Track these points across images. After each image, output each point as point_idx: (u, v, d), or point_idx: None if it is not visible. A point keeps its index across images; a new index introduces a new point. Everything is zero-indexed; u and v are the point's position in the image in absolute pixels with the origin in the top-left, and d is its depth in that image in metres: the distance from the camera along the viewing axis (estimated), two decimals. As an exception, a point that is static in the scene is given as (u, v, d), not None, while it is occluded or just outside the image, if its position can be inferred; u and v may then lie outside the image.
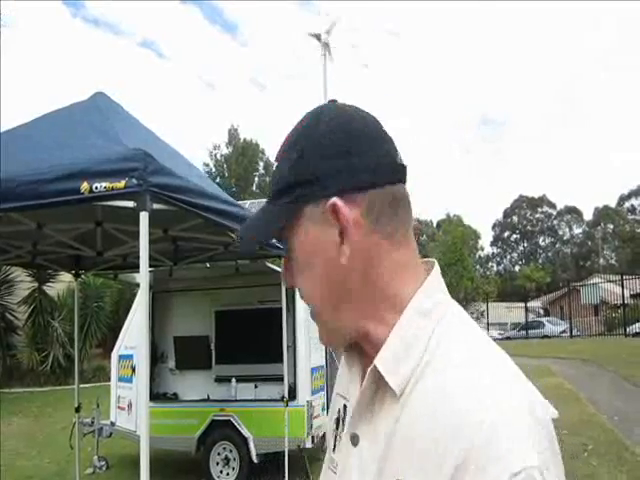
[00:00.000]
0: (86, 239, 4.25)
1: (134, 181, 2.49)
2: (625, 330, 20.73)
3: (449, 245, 14.61)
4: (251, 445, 5.32)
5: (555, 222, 71.46)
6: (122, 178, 2.49)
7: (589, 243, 66.58)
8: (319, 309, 0.67)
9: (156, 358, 6.18)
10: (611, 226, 65.27)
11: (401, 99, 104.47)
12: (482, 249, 66.40)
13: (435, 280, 0.67)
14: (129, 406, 6.00)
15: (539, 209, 71.84)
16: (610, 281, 25.67)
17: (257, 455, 5.31)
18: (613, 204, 65.19)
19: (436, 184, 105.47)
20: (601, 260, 64.08)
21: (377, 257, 0.63)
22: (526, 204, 72.04)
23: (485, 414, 0.54)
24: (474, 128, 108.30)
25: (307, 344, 5.75)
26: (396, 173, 0.65)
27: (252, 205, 8.19)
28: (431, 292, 0.65)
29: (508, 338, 28.62)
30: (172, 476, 5.89)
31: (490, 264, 69.46)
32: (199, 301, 6.28)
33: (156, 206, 2.54)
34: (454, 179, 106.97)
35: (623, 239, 61.31)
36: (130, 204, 2.50)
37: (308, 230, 0.63)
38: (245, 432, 5.38)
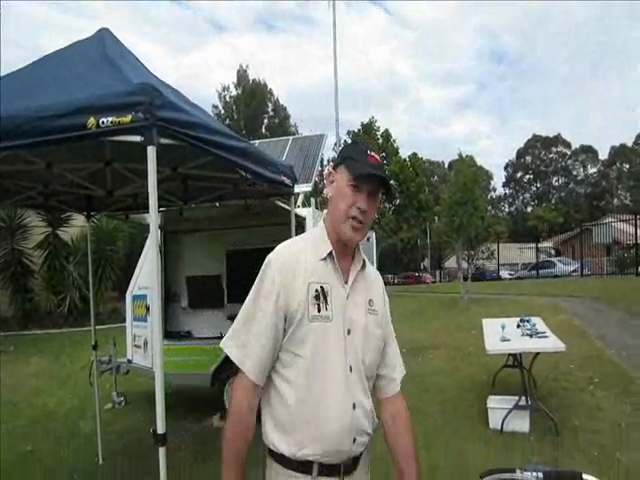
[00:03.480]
0: (97, 179, 4.22)
1: (140, 115, 2.42)
2: (637, 269, 20.64)
3: (460, 185, 14.39)
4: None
5: (569, 162, 70.18)
6: (129, 112, 2.43)
7: (603, 183, 65.54)
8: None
9: (169, 298, 6.31)
10: (627, 165, 63.94)
11: (410, 36, 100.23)
12: (494, 190, 65.70)
13: None
14: (145, 344, 6.19)
15: (553, 149, 70.42)
16: (622, 220, 25.33)
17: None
18: (630, 143, 63.54)
19: (449, 124, 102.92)
20: (615, 200, 63.23)
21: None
22: (540, 144, 70.56)
23: None
24: (488, 64, 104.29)
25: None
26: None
27: (261, 145, 8.08)
28: None
29: (519, 278, 28.87)
30: (189, 410, 6.15)
31: (502, 205, 68.94)
32: (210, 241, 6.32)
33: (163, 141, 2.48)
34: (468, 118, 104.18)
35: (639, 178, 60.16)
36: (137, 139, 2.45)
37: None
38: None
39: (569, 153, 69.70)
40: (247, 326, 1.47)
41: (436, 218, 32.59)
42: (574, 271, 25.98)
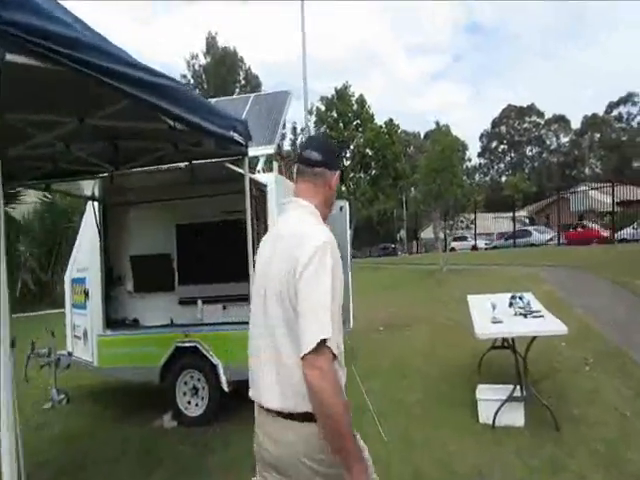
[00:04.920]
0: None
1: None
2: (613, 237, 20.54)
3: (438, 152, 13.69)
4: (221, 373, 4.76)
5: (543, 131, 70.25)
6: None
7: (575, 152, 65.93)
8: None
9: (112, 280, 5.46)
10: (598, 135, 64.39)
11: (384, 6, 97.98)
12: (469, 160, 65.43)
13: None
14: (84, 335, 5.37)
15: (527, 118, 70.26)
16: (595, 188, 25.24)
17: (228, 383, 4.77)
18: (601, 112, 63.89)
19: (423, 95, 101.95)
20: (586, 169, 63.81)
21: None
22: (515, 113, 70.26)
23: None
24: (463, 34, 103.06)
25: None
26: (296, 160, 1.87)
27: (219, 104, 7.13)
28: None
29: (495, 247, 28.63)
30: (136, 408, 5.40)
31: (477, 175, 68.87)
32: (157, 214, 5.47)
33: (12, 57, 1.63)
34: (442, 89, 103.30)
35: (609, 148, 60.74)
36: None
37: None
38: (214, 359, 4.80)
39: (542, 123, 69.67)
40: (333, 305, 1.53)
41: (412, 189, 32.01)
42: (550, 240, 25.85)
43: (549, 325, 4.23)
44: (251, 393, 1.76)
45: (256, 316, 1.73)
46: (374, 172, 26.36)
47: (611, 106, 63.37)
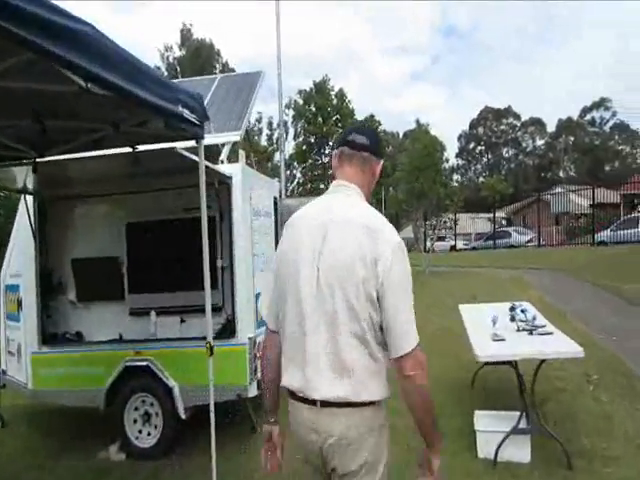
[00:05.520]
0: None
1: None
2: (593, 239, 20.41)
3: (420, 149, 13.13)
4: (177, 396, 4.06)
5: (519, 134, 70.83)
6: None
7: (550, 155, 66.70)
8: None
9: (51, 288, 4.67)
10: (572, 138, 65.33)
11: (362, 6, 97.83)
12: (447, 160, 65.59)
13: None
14: (18, 351, 4.59)
15: (504, 120, 70.72)
16: (573, 190, 25.37)
17: (185, 409, 4.07)
18: (575, 116, 64.96)
19: (401, 96, 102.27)
20: (561, 172, 64.68)
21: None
22: (492, 115, 70.64)
23: None
24: (439, 37, 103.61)
25: (249, 262, 4.34)
26: (341, 144, 1.76)
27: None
28: None
29: (474, 248, 28.34)
30: (78, 437, 4.63)
31: (455, 176, 69.07)
32: (104, 211, 4.72)
33: None
34: (420, 90, 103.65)
35: (583, 151, 61.72)
36: None
37: None
38: (169, 380, 4.09)
39: (519, 125, 70.23)
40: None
41: (390, 189, 31.51)
42: (529, 241, 25.67)
43: (561, 345, 3.63)
44: (296, 386, 1.64)
45: (300, 306, 1.63)
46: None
47: (585, 110, 64.34)
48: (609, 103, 61.60)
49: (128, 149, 3.43)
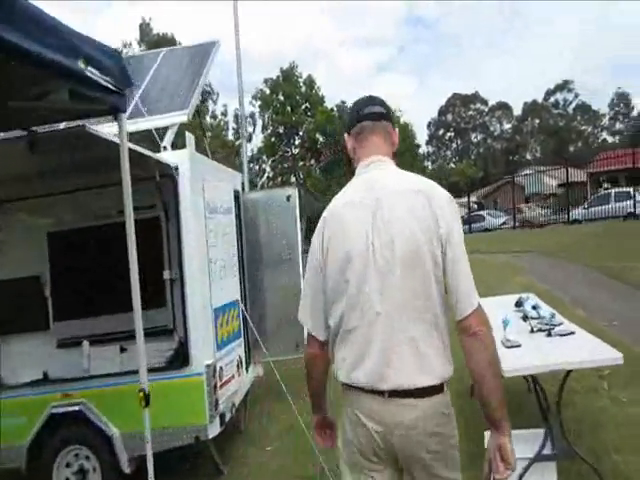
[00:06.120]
0: None
1: None
2: (568, 217, 20.22)
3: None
4: (118, 446, 3.24)
5: (487, 118, 71.35)
6: None
7: (518, 138, 67.44)
8: None
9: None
10: (538, 121, 66.22)
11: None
12: (419, 147, 65.65)
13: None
14: None
15: (472, 106, 71.07)
16: (542, 171, 25.38)
17: (130, 460, 3.26)
18: (540, 99, 65.91)
19: (370, 86, 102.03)
20: (528, 154, 65.56)
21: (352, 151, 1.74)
22: (460, 101, 70.86)
23: None
24: (405, 27, 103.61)
25: (205, 271, 3.53)
26: (358, 121, 1.69)
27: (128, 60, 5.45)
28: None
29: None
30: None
31: (426, 162, 69.13)
32: (18, 219, 3.81)
33: None
34: (389, 80, 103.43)
35: (548, 133, 62.68)
36: None
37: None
38: (107, 427, 3.26)
39: (487, 110, 70.66)
40: None
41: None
42: (504, 223, 25.45)
43: (594, 351, 2.91)
44: (363, 380, 1.54)
45: (363, 296, 1.53)
46: (326, 160, 24.51)
47: (549, 93, 65.18)
48: (571, 85, 62.65)
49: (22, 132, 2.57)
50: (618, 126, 61.91)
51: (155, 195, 3.54)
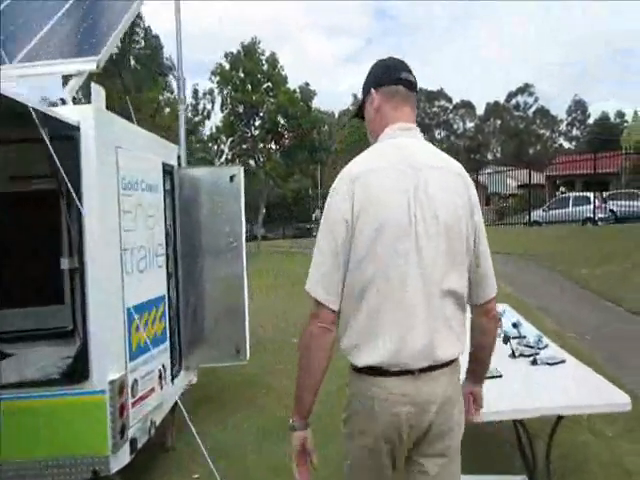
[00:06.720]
0: None
1: None
2: (529, 219, 20.26)
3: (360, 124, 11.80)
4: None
5: (451, 116, 72.11)
6: None
7: (480, 137, 68.59)
8: None
9: None
10: (499, 121, 67.60)
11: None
12: (381, 142, 65.40)
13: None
14: None
15: (436, 102, 71.55)
16: (501, 172, 25.62)
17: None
18: (502, 100, 67.34)
19: (336, 77, 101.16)
20: (489, 154, 66.88)
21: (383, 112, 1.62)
22: (424, 97, 71.17)
23: None
24: (372, 20, 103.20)
25: (115, 260, 2.77)
26: (393, 82, 1.59)
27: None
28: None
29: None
30: None
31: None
32: None
33: None
34: (355, 72, 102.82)
35: (509, 134, 64.16)
36: None
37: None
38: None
39: (451, 107, 71.35)
40: None
41: (325, 169, 30.20)
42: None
43: (596, 393, 2.34)
44: (387, 360, 1.44)
45: (396, 269, 1.44)
46: (288, 143, 23.49)
47: (511, 95, 66.53)
48: (532, 89, 64.22)
49: None
50: (575, 132, 63.89)
51: (45, 161, 2.73)
